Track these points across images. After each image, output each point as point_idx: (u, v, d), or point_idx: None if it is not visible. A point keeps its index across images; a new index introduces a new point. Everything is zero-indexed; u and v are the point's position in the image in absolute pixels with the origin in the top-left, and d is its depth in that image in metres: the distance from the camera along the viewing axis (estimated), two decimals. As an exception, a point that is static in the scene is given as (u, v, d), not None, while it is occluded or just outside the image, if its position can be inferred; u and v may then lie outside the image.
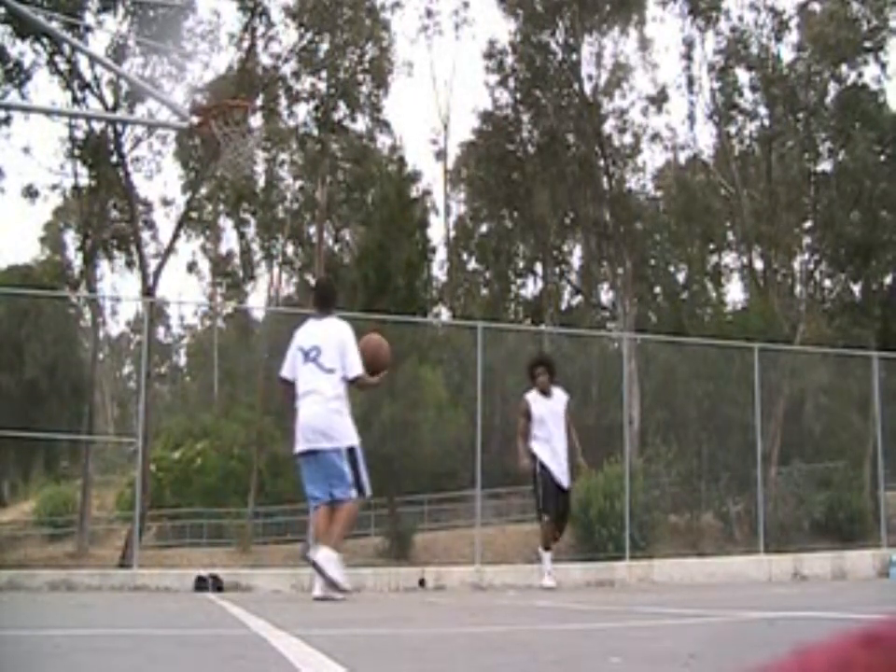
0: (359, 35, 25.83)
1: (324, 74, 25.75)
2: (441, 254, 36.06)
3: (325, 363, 6.39)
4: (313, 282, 6.88)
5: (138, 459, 12.45)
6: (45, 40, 21.03)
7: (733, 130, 27.25)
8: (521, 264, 36.34)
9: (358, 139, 29.11)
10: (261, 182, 32.15)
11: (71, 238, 37.04)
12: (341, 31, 25.44)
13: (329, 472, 6.26)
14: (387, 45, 26.97)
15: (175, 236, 24.90)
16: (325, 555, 6.00)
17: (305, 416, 6.34)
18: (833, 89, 25.33)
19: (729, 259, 33.64)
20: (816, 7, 26.15)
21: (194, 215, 32.85)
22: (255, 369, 29.16)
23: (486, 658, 1.71)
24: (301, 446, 6.37)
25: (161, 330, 48.25)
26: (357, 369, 6.38)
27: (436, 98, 60.19)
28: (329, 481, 6.27)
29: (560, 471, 8.21)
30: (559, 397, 8.50)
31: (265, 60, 25.04)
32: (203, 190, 30.85)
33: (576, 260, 35.87)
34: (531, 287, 36.86)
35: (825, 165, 26.18)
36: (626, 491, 13.19)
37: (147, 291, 22.06)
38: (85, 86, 22.33)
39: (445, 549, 16.29)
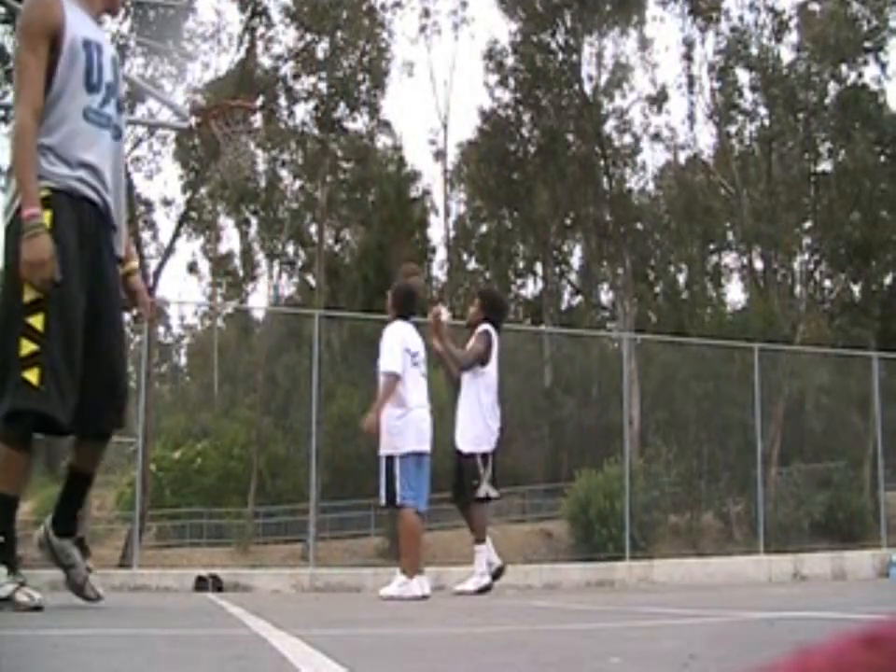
0: (358, 34, 25.83)
1: (324, 74, 25.76)
2: (441, 254, 36.10)
3: (423, 370, 6.61)
4: (398, 285, 6.75)
5: (138, 459, 12.46)
6: (45, 40, 21.00)
7: (733, 130, 27.27)
8: (521, 264, 36.37)
9: (359, 139, 29.11)
10: (262, 182, 32.15)
11: (71, 238, 36.94)
12: (340, 31, 25.43)
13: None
14: (385, 45, 26.97)
15: (175, 236, 24.91)
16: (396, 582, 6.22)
17: (424, 421, 6.45)
18: (833, 89, 25.33)
19: (729, 259, 33.66)
20: (816, 7, 26.16)
21: (194, 215, 32.87)
22: (255, 369, 29.17)
23: (486, 658, 1.71)
24: (421, 446, 6.45)
25: (161, 330, 48.26)
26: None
27: (435, 98, 60.27)
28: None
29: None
30: None
31: (265, 60, 25.05)
32: (203, 190, 30.86)
33: (576, 260, 35.92)
34: (531, 287, 36.91)
35: (825, 165, 26.19)
36: (626, 491, 13.19)
37: (147, 291, 22.06)
38: (85, 86, 22.32)
39: (445, 549, 16.28)
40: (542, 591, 8.21)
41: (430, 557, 13.86)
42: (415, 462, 6.33)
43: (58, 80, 3.44)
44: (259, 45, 24.62)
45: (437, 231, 36.50)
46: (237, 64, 24.25)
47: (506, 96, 29.66)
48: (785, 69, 25.62)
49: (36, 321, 3.26)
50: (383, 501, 6.35)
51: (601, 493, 16.16)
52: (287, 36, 25.01)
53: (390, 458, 6.29)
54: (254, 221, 36.60)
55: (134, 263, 3.98)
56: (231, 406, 31.61)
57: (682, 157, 31.14)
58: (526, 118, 29.62)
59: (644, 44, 30.16)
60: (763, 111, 26.29)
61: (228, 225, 39.35)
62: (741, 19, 26.09)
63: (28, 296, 3.30)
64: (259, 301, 43.87)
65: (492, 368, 7.34)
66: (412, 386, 6.39)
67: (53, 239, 3.31)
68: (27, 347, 3.25)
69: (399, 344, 6.39)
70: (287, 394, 26.77)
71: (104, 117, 3.59)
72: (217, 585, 9.74)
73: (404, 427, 6.30)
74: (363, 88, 26.95)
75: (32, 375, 3.23)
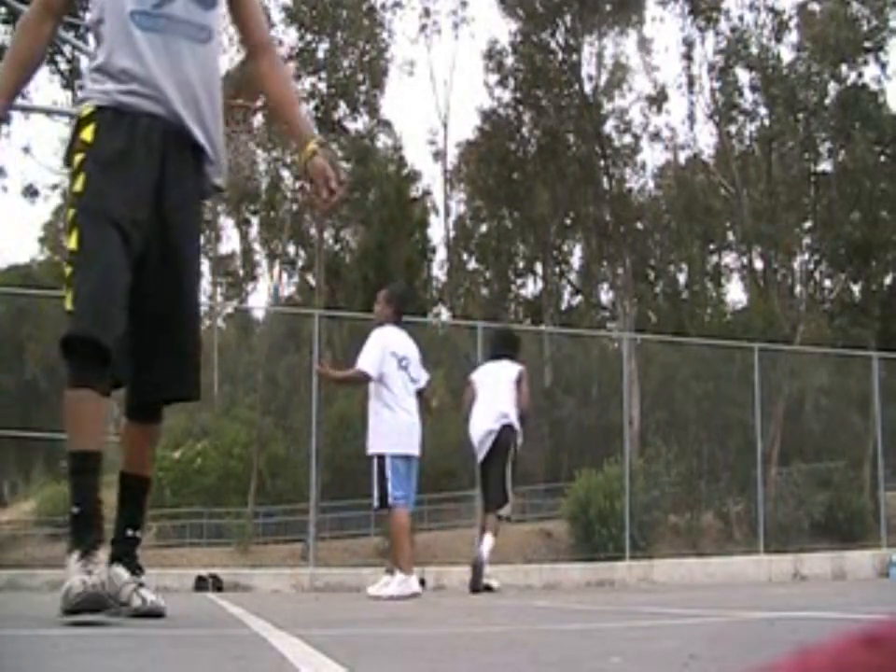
0: (358, 34, 25.83)
1: (324, 74, 25.76)
2: (441, 254, 36.09)
3: (414, 374, 6.69)
4: (395, 288, 6.98)
5: (138, 459, 12.42)
6: (45, 40, 21.02)
7: (733, 130, 27.27)
8: (521, 264, 36.35)
9: (359, 139, 29.11)
10: (263, 182, 32.15)
11: (71, 238, 36.97)
12: (340, 31, 25.43)
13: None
14: (385, 45, 26.97)
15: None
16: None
17: (414, 425, 6.55)
18: (833, 89, 25.33)
19: (729, 258, 33.65)
20: (816, 7, 26.16)
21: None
22: (255, 369, 29.16)
23: (486, 658, 1.71)
24: (409, 449, 6.49)
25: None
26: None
27: (435, 98, 60.26)
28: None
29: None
30: None
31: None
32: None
33: (576, 260, 35.90)
34: (531, 287, 36.89)
35: (825, 165, 26.19)
36: (626, 491, 13.20)
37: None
38: (85, 86, 22.35)
39: (445, 549, 16.27)
40: (542, 591, 8.20)
41: (430, 557, 13.86)
42: (404, 464, 6.41)
43: None
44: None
45: (437, 231, 36.50)
46: (237, 64, 24.24)
47: (506, 96, 29.66)
48: (785, 69, 25.62)
49: (71, 240, 2.96)
50: (375, 503, 6.40)
51: (601, 493, 16.15)
52: (287, 36, 25.02)
53: (381, 458, 6.36)
54: (254, 221, 36.60)
55: (312, 144, 3.25)
56: (231, 406, 31.57)
57: (682, 157, 31.15)
58: (526, 118, 29.61)
59: (644, 44, 30.18)
60: (763, 111, 26.29)
61: (228, 225, 39.36)
62: (741, 19, 26.09)
63: (69, 213, 3.03)
64: (259, 300, 43.91)
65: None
66: (398, 390, 6.47)
67: (91, 157, 2.97)
68: (66, 270, 2.97)
69: (382, 348, 6.49)
70: (287, 394, 26.77)
71: (161, 19, 3.07)
72: (217, 585, 9.74)
73: (392, 428, 6.40)
74: (363, 88, 26.95)
75: (68, 299, 2.89)
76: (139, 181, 3.02)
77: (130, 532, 3.21)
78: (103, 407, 2.93)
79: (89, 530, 2.81)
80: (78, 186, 2.98)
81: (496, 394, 7.47)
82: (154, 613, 3.00)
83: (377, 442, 6.39)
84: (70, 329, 2.86)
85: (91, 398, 2.88)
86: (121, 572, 3.10)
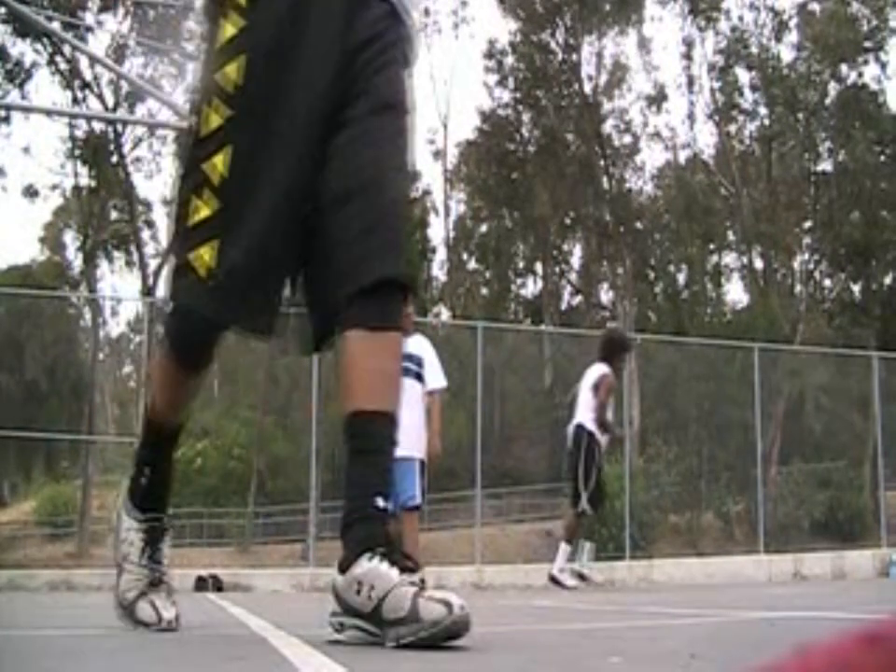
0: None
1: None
2: (441, 254, 36.08)
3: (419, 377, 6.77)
4: None
5: (138, 459, 12.42)
6: (45, 40, 21.04)
7: (733, 130, 27.27)
8: (521, 264, 36.34)
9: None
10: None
11: (71, 238, 37.02)
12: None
13: None
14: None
15: (176, 236, 24.91)
16: None
17: (404, 428, 6.69)
18: (833, 89, 25.35)
19: (729, 258, 33.65)
20: (816, 7, 26.17)
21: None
22: (255, 369, 29.14)
23: (486, 658, 1.71)
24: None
25: (161, 330, 48.23)
26: None
27: (435, 98, 60.21)
28: None
29: None
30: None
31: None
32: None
33: (576, 260, 35.89)
34: (531, 287, 36.88)
35: (825, 165, 26.21)
36: (626, 491, 13.19)
37: (147, 291, 22.07)
38: (85, 86, 22.35)
39: (445, 549, 16.29)
40: (542, 591, 8.20)
41: (430, 557, 13.84)
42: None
43: None
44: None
45: (437, 231, 36.49)
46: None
47: (506, 96, 29.68)
48: (785, 69, 25.64)
49: (215, 165, 2.06)
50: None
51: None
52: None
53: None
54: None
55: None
56: (232, 406, 31.58)
57: (682, 157, 31.15)
58: (526, 117, 29.61)
59: (643, 44, 30.18)
60: (763, 111, 26.31)
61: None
62: (741, 18, 26.11)
63: (206, 126, 2.09)
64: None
65: None
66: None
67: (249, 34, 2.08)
68: (200, 211, 2.08)
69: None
70: (287, 394, 26.76)
71: None
72: (217, 585, 9.74)
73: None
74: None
75: (200, 257, 2.05)
76: (329, 37, 2.09)
77: (381, 502, 2.05)
78: (194, 382, 2.50)
79: (155, 501, 2.48)
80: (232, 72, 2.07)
81: (579, 397, 7.70)
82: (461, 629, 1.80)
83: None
84: (200, 305, 2.12)
85: (188, 373, 2.40)
86: (386, 570, 1.89)
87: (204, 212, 2.06)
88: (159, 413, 2.46)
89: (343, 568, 1.96)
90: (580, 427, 7.59)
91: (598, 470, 7.70)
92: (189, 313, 2.21)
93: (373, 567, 1.89)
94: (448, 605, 1.78)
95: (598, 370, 7.68)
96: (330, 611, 2.02)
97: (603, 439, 7.71)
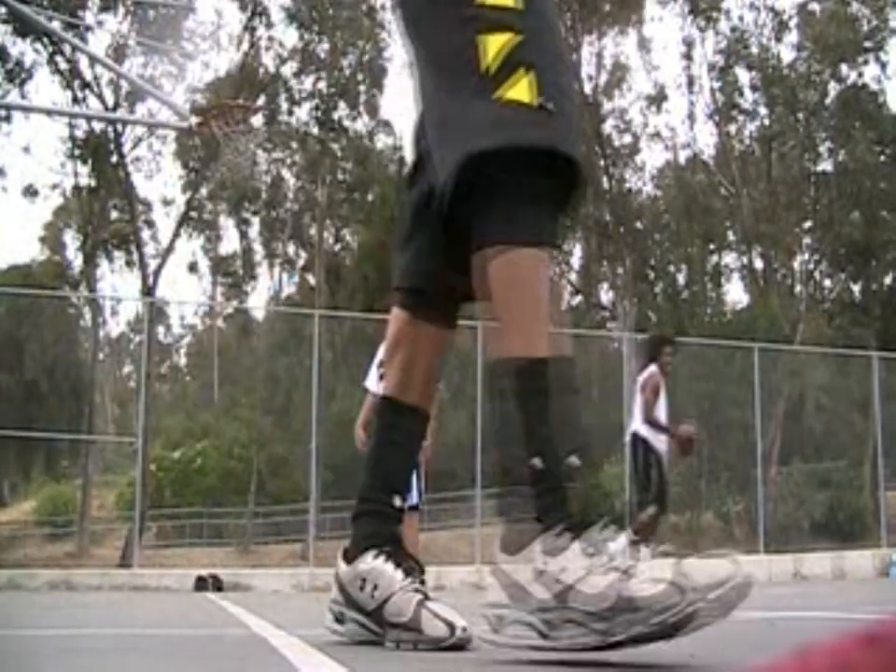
0: (358, 34, 25.83)
1: (324, 73, 25.76)
2: (441, 254, 36.04)
3: None
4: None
5: (138, 459, 12.45)
6: (45, 40, 21.04)
7: (733, 130, 27.26)
8: (521, 264, 36.26)
9: (359, 139, 29.11)
10: (263, 182, 32.15)
11: (71, 238, 37.02)
12: (340, 31, 25.44)
13: None
14: (385, 45, 26.98)
15: (175, 236, 24.91)
16: None
17: None
18: (832, 89, 25.34)
19: (729, 258, 33.62)
20: (816, 7, 26.17)
21: (194, 215, 32.86)
22: (255, 369, 29.15)
23: (486, 658, 1.71)
24: None
25: (161, 330, 48.27)
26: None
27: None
28: None
29: None
30: None
31: (265, 60, 25.07)
32: (204, 191, 30.85)
33: (576, 260, 35.88)
34: (531, 287, 36.77)
35: (825, 165, 26.20)
36: (626, 491, 13.18)
37: (147, 291, 22.08)
38: (85, 86, 22.36)
39: (445, 549, 16.29)
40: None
41: (430, 557, 13.84)
42: None
43: None
44: (260, 44, 24.63)
45: (437, 231, 36.43)
46: (238, 64, 24.25)
47: (506, 96, 29.65)
48: (785, 69, 25.63)
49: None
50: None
51: (601, 493, 16.16)
52: (287, 36, 25.03)
53: None
54: (254, 221, 36.58)
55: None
56: (231, 406, 31.58)
57: (682, 157, 31.14)
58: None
59: (643, 43, 30.17)
60: (763, 111, 26.30)
61: (228, 225, 39.34)
62: (741, 18, 26.10)
63: None
64: (259, 301, 43.89)
65: None
66: None
67: None
68: (496, 40, 1.73)
69: (378, 360, 6.79)
70: (287, 394, 26.77)
71: None
72: (217, 585, 9.74)
73: None
74: (363, 88, 26.96)
75: (518, 87, 1.70)
76: None
77: (397, 501, 1.96)
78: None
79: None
80: None
81: (634, 403, 7.96)
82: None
83: None
84: (546, 138, 1.70)
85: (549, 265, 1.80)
86: (391, 571, 1.84)
87: (502, 38, 1.73)
88: (534, 346, 1.75)
89: (349, 558, 1.93)
90: (633, 436, 7.80)
91: (660, 472, 7.75)
92: (528, 151, 1.69)
93: (377, 566, 1.84)
94: (451, 627, 1.72)
95: (646, 372, 7.84)
96: (331, 597, 1.98)
97: (661, 440, 7.75)
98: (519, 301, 1.73)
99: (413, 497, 6.44)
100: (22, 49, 21.70)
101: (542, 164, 1.70)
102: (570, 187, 1.78)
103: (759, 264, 26.98)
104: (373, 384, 6.83)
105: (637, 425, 7.73)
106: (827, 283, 28.73)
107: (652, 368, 7.74)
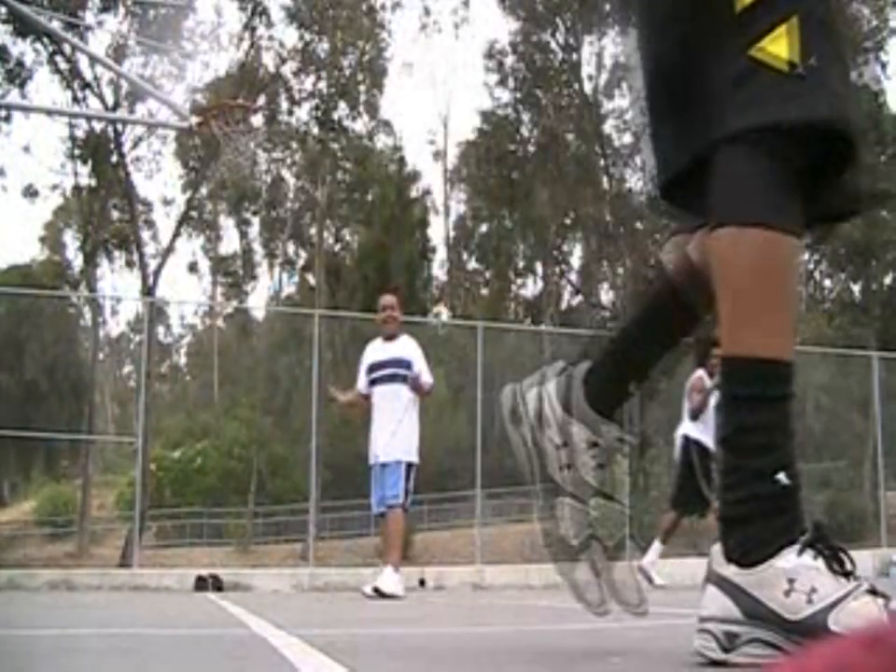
0: (358, 34, 25.84)
1: (324, 73, 25.77)
2: (441, 254, 36.10)
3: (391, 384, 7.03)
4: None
5: (138, 459, 12.45)
6: (45, 40, 21.04)
7: (733, 130, 27.27)
8: (521, 264, 36.35)
9: (359, 139, 29.13)
10: (263, 182, 32.17)
11: (71, 238, 37.04)
12: (340, 31, 25.45)
13: None
14: (385, 45, 27.00)
15: (176, 236, 24.92)
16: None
17: (377, 439, 6.93)
18: (833, 88, 25.34)
19: (729, 258, 33.58)
20: (816, 6, 26.16)
21: (194, 214, 32.88)
22: (255, 369, 29.16)
23: (487, 658, 1.71)
24: (374, 459, 6.95)
25: (161, 330, 48.28)
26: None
27: (435, 98, 60.24)
28: None
29: None
30: None
31: (265, 60, 25.07)
32: (204, 190, 30.86)
33: (576, 260, 35.90)
34: (531, 287, 36.89)
35: (825, 165, 26.19)
36: (626, 491, 13.19)
37: (147, 291, 22.08)
38: (85, 85, 22.35)
39: (445, 549, 16.28)
40: (542, 591, 8.20)
41: (430, 557, 13.89)
42: (377, 471, 6.75)
43: None
44: (260, 44, 24.63)
45: (437, 231, 36.51)
46: (238, 63, 24.26)
47: (506, 96, 29.67)
48: (785, 69, 25.64)
49: None
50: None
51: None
52: (287, 36, 25.03)
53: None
54: (255, 221, 36.61)
55: None
56: (231, 406, 31.60)
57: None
58: (526, 117, 29.61)
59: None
60: (763, 111, 26.29)
61: (228, 225, 39.36)
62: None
63: None
64: (259, 301, 43.90)
65: None
66: (374, 403, 6.89)
67: None
68: None
69: (364, 363, 7.03)
70: (287, 394, 26.78)
71: None
72: (217, 585, 9.74)
73: (371, 440, 6.87)
74: (363, 88, 26.97)
75: (777, 44, 1.42)
76: None
77: (784, 479, 1.48)
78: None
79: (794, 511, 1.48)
80: None
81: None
82: None
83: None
84: (802, 110, 1.42)
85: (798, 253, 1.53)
86: (826, 570, 1.45)
87: None
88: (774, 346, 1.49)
89: (749, 562, 1.50)
90: (683, 438, 7.92)
91: (706, 473, 7.81)
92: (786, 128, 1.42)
93: (807, 563, 1.42)
94: None
95: (694, 375, 7.94)
96: (699, 616, 1.52)
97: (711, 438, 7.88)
98: (773, 291, 1.47)
99: (400, 497, 6.49)
100: (22, 48, 21.71)
101: (800, 139, 1.43)
102: (840, 160, 1.49)
103: (759, 264, 27.00)
104: (364, 386, 6.97)
105: (684, 427, 7.90)
106: (827, 283, 28.75)
107: (699, 371, 7.92)
